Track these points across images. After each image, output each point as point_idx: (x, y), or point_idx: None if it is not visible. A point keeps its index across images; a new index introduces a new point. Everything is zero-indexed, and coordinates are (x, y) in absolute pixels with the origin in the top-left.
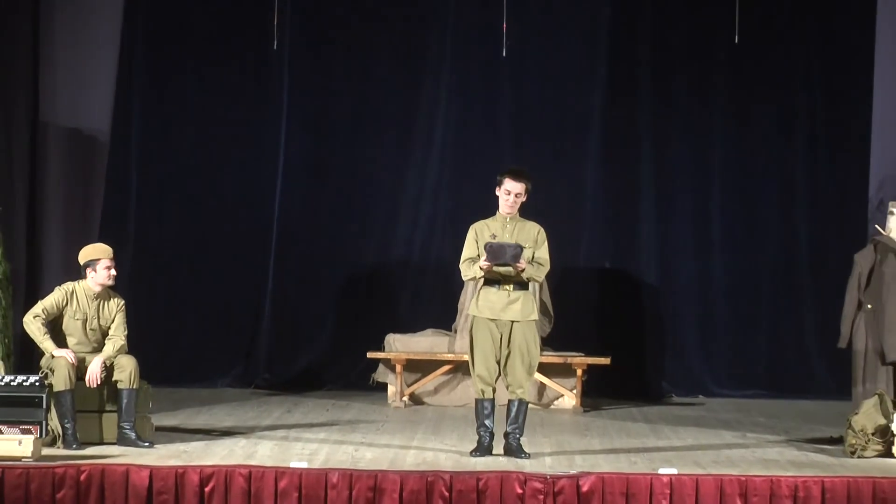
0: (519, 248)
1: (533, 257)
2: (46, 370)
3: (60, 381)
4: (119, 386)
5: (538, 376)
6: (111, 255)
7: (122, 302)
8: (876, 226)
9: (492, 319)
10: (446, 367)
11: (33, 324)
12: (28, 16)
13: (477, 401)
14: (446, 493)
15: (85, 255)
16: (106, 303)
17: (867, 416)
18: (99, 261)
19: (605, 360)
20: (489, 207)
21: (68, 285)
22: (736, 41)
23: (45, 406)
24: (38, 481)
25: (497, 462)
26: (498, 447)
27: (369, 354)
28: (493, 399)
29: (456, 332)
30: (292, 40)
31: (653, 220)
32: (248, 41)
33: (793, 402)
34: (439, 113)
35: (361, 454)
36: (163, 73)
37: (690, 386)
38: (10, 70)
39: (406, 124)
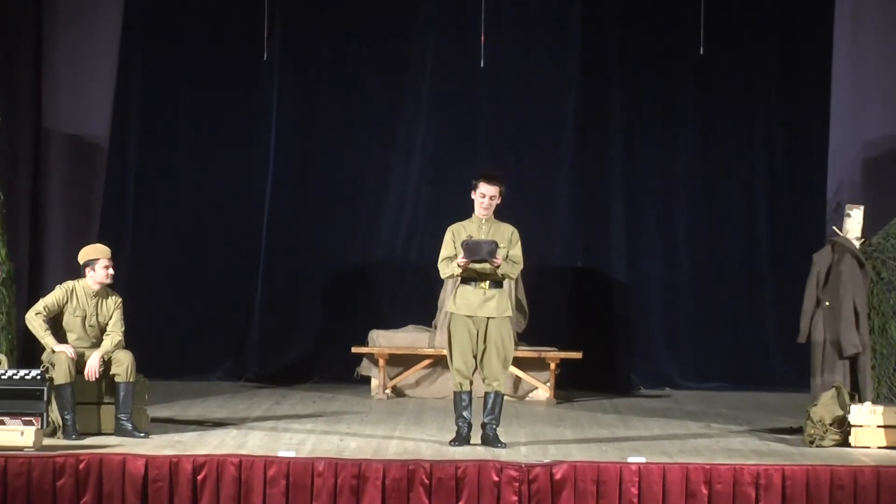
0: (494, 244)
1: (507, 256)
2: (47, 364)
3: (61, 375)
4: (116, 379)
5: (513, 370)
6: (109, 255)
7: (120, 300)
8: (833, 227)
9: (469, 316)
10: (427, 362)
11: (35, 320)
12: (32, 28)
13: (455, 393)
14: (427, 481)
15: (84, 255)
16: (104, 300)
17: (825, 407)
18: (98, 260)
19: (577, 355)
20: (466, 210)
21: (68, 284)
22: (701, 52)
23: (46, 398)
24: (40, 470)
25: (475, 451)
26: (476, 437)
27: (354, 349)
28: (471, 391)
29: (436, 327)
30: (282, 52)
31: (622, 221)
32: (240, 53)
33: (754, 395)
34: (420, 120)
35: (346, 444)
36: (159, 82)
37: (658, 379)
38: (15, 79)
39: (389, 131)
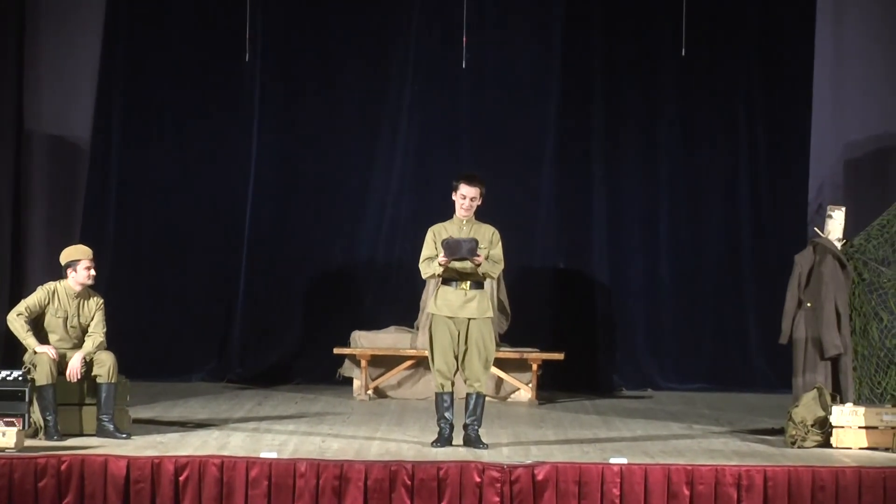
0: (474, 242)
1: (488, 256)
2: (29, 365)
3: (43, 376)
4: (98, 380)
5: (495, 371)
6: (91, 256)
7: (101, 300)
8: (815, 228)
9: (450, 317)
10: (409, 363)
11: (17, 321)
12: (13, 30)
13: (437, 394)
14: (409, 482)
15: (66, 255)
16: (86, 301)
17: (807, 408)
18: (79, 261)
19: (559, 356)
20: (448, 211)
21: (50, 285)
22: (683, 54)
23: (27, 399)
24: (21, 471)
25: (457, 452)
26: (457, 438)
27: (336, 350)
28: (453, 392)
29: (418, 328)
30: (263, 54)
31: (604, 222)
32: (222, 54)
33: (736, 395)
34: (402, 122)
35: (328, 445)
36: (141, 84)
37: (639, 380)
38: None
39: (371, 133)
